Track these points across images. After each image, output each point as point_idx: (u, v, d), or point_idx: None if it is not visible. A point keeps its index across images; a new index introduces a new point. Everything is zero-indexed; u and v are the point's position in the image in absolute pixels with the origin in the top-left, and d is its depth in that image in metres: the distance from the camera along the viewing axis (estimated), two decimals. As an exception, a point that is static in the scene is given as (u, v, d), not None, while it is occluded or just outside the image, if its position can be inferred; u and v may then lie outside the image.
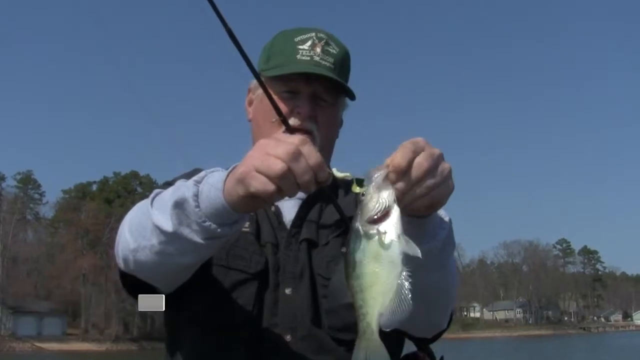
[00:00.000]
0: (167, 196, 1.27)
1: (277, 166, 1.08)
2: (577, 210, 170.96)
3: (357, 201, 1.14)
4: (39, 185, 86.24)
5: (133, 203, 1.46)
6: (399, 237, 1.07)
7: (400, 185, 1.09)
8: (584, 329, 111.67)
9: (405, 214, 1.14)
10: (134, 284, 1.46)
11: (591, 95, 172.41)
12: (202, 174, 1.25)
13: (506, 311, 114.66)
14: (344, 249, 1.55)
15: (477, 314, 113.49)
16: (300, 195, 1.62)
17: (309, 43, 1.60)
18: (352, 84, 1.67)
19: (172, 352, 1.58)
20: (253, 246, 1.52)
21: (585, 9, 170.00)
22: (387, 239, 1.07)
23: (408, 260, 1.09)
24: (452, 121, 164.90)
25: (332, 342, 1.51)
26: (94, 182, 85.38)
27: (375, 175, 1.09)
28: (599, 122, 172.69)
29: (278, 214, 1.59)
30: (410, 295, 1.07)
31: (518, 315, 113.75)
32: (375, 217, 1.08)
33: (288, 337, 1.48)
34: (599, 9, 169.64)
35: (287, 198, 1.58)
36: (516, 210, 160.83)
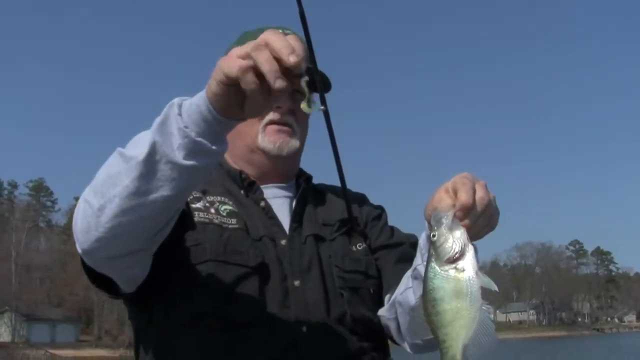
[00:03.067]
0: (144, 134, 1.21)
1: (247, 46, 1.10)
2: (590, 211, 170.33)
3: (429, 241, 1.19)
4: (51, 193, 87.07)
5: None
6: (476, 273, 1.14)
7: (467, 221, 1.18)
8: (598, 330, 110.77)
9: None
10: (93, 275, 1.41)
11: (602, 96, 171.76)
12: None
13: (519, 313, 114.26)
14: (352, 248, 1.62)
15: (490, 316, 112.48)
16: (289, 194, 1.67)
17: None
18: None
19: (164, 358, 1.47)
20: (247, 241, 1.51)
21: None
22: (466, 276, 1.14)
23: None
24: (460, 123, 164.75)
25: (348, 332, 1.51)
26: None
27: (444, 217, 1.16)
28: (611, 123, 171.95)
29: (267, 209, 1.60)
30: (493, 327, 1.15)
31: (531, 317, 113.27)
32: (454, 257, 1.15)
33: (304, 329, 1.46)
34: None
35: (275, 195, 1.63)
36: (528, 212, 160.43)
